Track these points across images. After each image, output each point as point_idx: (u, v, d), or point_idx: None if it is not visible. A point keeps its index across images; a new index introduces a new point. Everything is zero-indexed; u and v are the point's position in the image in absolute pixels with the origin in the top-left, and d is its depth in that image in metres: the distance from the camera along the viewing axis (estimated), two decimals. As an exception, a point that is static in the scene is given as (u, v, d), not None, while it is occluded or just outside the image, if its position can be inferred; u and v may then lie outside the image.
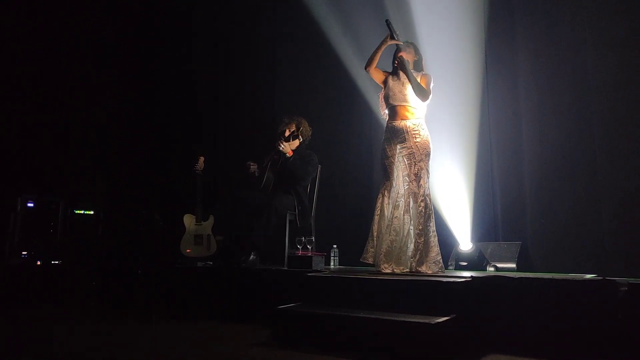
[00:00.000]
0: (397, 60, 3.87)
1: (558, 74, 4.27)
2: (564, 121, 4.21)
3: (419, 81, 3.81)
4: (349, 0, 5.38)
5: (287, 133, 4.79)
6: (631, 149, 3.81)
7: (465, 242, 4.26)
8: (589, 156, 4.02)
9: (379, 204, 3.83)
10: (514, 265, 4.03)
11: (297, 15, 5.78)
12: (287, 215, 4.53)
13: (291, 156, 4.63)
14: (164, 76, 6.99)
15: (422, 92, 3.78)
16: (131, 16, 7.28)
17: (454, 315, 2.80)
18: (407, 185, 3.75)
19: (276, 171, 4.72)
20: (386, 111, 3.96)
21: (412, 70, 3.86)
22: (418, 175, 3.69)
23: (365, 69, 4.02)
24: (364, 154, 5.36)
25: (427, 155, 3.75)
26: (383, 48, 3.93)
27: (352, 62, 5.21)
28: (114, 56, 7.29)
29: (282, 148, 4.62)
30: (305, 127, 4.85)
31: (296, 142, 4.82)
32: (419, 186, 3.68)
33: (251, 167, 4.76)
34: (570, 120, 4.18)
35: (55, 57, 6.90)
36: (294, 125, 4.82)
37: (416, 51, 4.00)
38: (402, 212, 3.73)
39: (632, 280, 2.77)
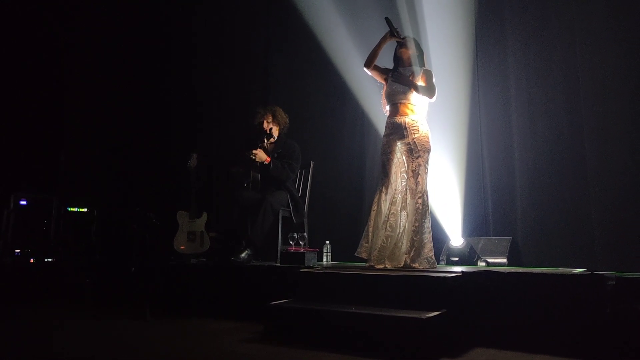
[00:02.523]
0: (395, 75, 3.85)
1: (548, 70, 4.31)
2: (554, 117, 4.25)
3: (420, 77, 3.82)
4: (341, 1, 5.38)
5: (265, 124, 4.74)
6: (621, 145, 3.85)
7: (456, 238, 4.29)
8: (579, 152, 4.06)
9: (376, 200, 3.84)
10: (504, 260, 4.06)
11: (290, 17, 5.77)
12: (281, 211, 4.54)
13: (269, 162, 4.57)
14: (159, 74, 6.97)
15: (428, 91, 3.77)
16: (128, 17, 7.26)
17: (445, 310, 2.82)
18: (404, 181, 3.76)
19: (260, 169, 4.67)
20: (387, 108, 3.95)
21: (413, 67, 3.86)
22: (416, 171, 3.70)
23: (365, 67, 3.99)
24: (356, 151, 5.37)
25: (426, 151, 3.75)
26: (383, 45, 3.90)
27: (344, 61, 5.22)
28: (108, 55, 7.28)
29: (255, 157, 4.56)
30: (281, 115, 4.79)
31: (275, 133, 4.79)
32: (416, 182, 3.68)
33: (236, 171, 4.75)
34: (560, 116, 4.21)
35: (50, 55, 6.89)
36: (269, 115, 4.76)
37: (417, 46, 3.96)
38: (399, 208, 3.73)
39: (619, 274, 2.80)
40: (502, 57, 4.57)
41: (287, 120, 4.83)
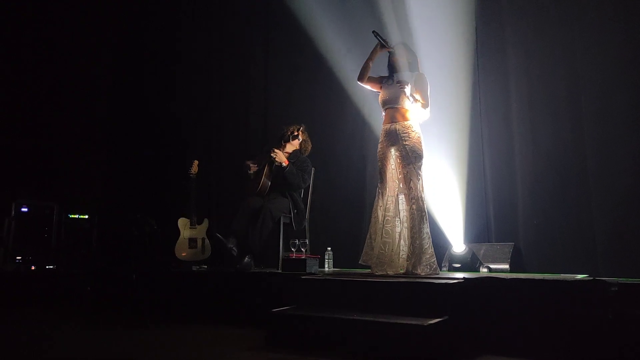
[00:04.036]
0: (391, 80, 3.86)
1: (549, 74, 4.30)
2: (555, 122, 4.23)
3: (414, 81, 3.79)
4: (339, 7, 5.39)
5: (288, 133, 4.81)
6: (622, 150, 3.84)
7: (458, 244, 4.27)
8: (581, 157, 4.05)
9: (374, 207, 3.85)
10: (507, 266, 4.05)
11: (290, 23, 5.78)
12: (282, 218, 4.54)
13: (287, 165, 4.61)
14: (159, 81, 6.98)
15: (423, 108, 3.76)
16: (128, 22, 7.29)
17: (447, 316, 2.81)
18: (398, 187, 3.77)
19: (272, 175, 4.71)
20: (383, 114, 3.96)
21: (407, 72, 3.86)
22: (408, 177, 3.69)
23: (359, 81, 4.01)
24: (357, 157, 5.37)
25: (418, 157, 3.73)
26: (374, 58, 3.93)
27: (344, 67, 5.22)
28: (109, 62, 7.30)
29: (275, 157, 4.59)
30: (309, 141, 4.89)
31: (295, 145, 4.83)
32: (409, 188, 3.68)
33: (250, 166, 4.76)
34: (561, 121, 4.20)
35: (51, 62, 6.90)
36: (302, 134, 4.86)
37: (409, 51, 3.96)
38: (392, 215, 3.75)
39: (622, 280, 2.80)
40: (503, 61, 4.57)
41: (310, 148, 4.91)
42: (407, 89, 3.69)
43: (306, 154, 4.88)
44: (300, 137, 4.82)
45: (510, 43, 4.55)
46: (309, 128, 4.98)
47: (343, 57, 5.22)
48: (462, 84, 4.61)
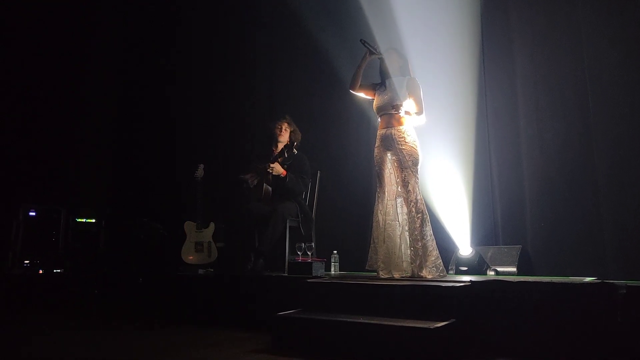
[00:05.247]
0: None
1: (556, 75, 4.28)
2: (563, 124, 4.21)
3: (405, 86, 3.81)
4: (343, 10, 5.39)
5: (279, 131, 4.76)
6: (631, 152, 3.81)
7: (465, 247, 4.25)
8: (589, 159, 4.02)
9: (375, 211, 3.87)
10: (514, 269, 4.03)
11: (296, 27, 5.79)
12: (288, 222, 4.53)
13: (285, 175, 4.57)
14: (164, 84, 7.00)
15: (417, 116, 3.78)
16: (133, 26, 7.32)
17: (454, 320, 2.79)
18: (396, 191, 3.79)
19: (273, 181, 4.67)
20: (379, 119, 3.96)
21: (399, 77, 3.86)
22: (405, 181, 3.71)
23: (350, 89, 4.02)
24: (363, 160, 5.35)
25: (414, 161, 3.73)
26: (364, 65, 3.95)
27: (348, 71, 5.20)
28: (115, 66, 7.33)
29: (272, 172, 4.55)
30: (297, 131, 4.84)
31: (286, 140, 4.78)
32: (407, 192, 3.69)
33: (248, 179, 4.73)
34: (569, 124, 4.18)
35: (57, 66, 6.94)
36: (292, 126, 4.80)
37: (400, 56, 3.97)
38: (392, 218, 3.78)
39: (630, 283, 2.77)
40: (510, 61, 4.55)
41: (300, 137, 4.84)
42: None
43: (297, 143, 4.76)
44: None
45: (517, 42, 4.53)
46: (314, 132, 4.97)
47: (351, 59, 5.20)
48: (469, 85, 4.59)
